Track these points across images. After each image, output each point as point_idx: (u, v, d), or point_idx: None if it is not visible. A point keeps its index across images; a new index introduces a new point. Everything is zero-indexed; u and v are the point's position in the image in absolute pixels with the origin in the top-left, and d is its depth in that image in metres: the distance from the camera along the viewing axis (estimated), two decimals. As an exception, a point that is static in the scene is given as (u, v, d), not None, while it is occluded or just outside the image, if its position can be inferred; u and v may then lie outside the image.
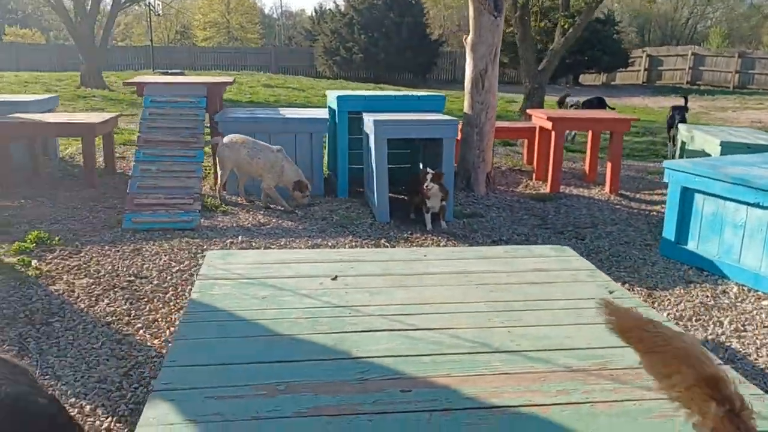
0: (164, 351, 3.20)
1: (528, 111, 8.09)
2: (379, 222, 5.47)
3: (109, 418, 2.65)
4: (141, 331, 3.41)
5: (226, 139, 5.76)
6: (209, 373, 2.32)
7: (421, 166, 6.33)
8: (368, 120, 5.50)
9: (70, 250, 4.58)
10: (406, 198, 5.82)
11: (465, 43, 6.49)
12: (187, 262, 4.43)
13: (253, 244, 4.86)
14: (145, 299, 3.82)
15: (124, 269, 4.28)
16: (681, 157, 6.86)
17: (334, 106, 6.37)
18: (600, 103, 13.04)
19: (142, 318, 3.57)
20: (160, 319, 3.55)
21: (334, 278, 3.26)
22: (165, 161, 5.57)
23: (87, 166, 6.38)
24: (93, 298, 3.80)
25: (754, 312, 3.79)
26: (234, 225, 5.35)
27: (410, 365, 2.39)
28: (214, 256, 3.59)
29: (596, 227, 5.54)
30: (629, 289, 3.94)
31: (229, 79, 8.06)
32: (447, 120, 5.49)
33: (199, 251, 4.65)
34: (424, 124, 5.40)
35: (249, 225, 5.36)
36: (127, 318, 3.56)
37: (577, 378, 2.31)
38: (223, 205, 5.84)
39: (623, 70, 32.61)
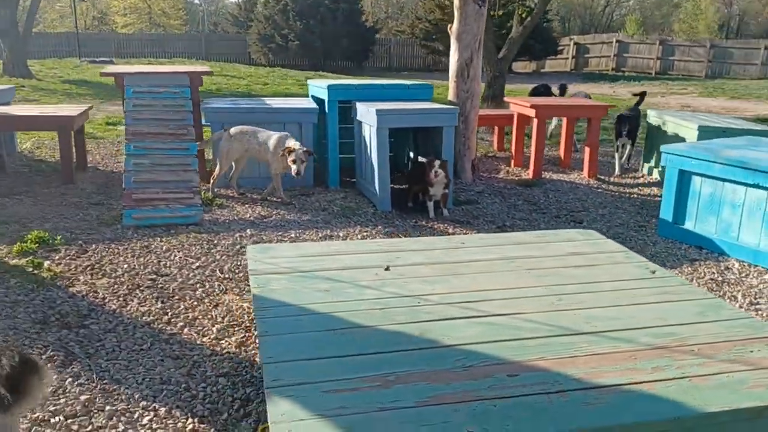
0: (217, 348, 3.14)
1: (506, 99, 8.27)
2: (381, 211, 5.50)
3: (190, 419, 2.59)
4: (186, 330, 3.33)
5: (233, 131, 5.65)
6: (314, 367, 2.32)
7: (411, 155, 6.39)
8: (367, 109, 5.50)
9: (76, 250, 4.39)
10: (404, 187, 5.87)
11: (450, 32, 6.56)
12: (204, 258, 4.33)
13: (264, 237, 4.79)
14: (176, 297, 3.72)
15: (141, 267, 4.14)
16: (648, 143, 7.19)
17: (322, 95, 6.32)
18: (546, 90, 13.44)
19: (181, 316, 3.48)
20: (200, 317, 3.48)
21: (387, 269, 3.29)
22: (158, 154, 5.39)
23: (64, 161, 6.08)
24: (121, 299, 3.67)
25: (761, 286, 4.07)
26: (236, 218, 5.25)
27: (503, 351, 2.47)
28: (255, 250, 3.56)
29: (588, 211, 5.77)
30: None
31: (207, 68, 7.83)
32: (448, 109, 5.57)
33: (212, 246, 4.56)
34: (425, 113, 5.46)
35: (252, 218, 5.28)
36: (165, 317, 3.47)
37: (663, 355, 2.44)
38: (218, 199, 5.72)
39: (553, 57, 33.56)
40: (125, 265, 4.16)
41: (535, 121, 6.73)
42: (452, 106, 5.83)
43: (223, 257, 4.36)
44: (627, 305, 2.90)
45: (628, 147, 7.46)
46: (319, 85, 6.47)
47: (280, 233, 4.90)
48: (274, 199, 5.76)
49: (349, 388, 2.19)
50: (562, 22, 50.31)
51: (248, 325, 3.40)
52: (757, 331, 2.65)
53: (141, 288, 3.83)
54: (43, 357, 3.00)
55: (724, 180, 4.54)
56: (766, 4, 47.24)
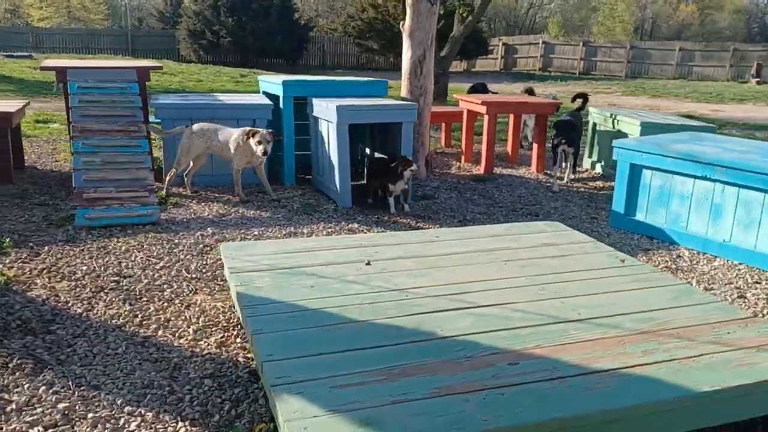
0: (196, 350, 3.05)
1: (456, 96, 8.38)
2: (342, 207, 5.47)
3: (180, 423, 2.50)
4: (160, 332, 3.21)
5: (195, 127, 5.50)
6: (315, 363, 2.30)
7: (367, 151, 6.39)
8: (326, 105, 5.45)
9: (28, 253, 4.16)
10: (362, 183, 5.87)
11: (402, 29, 6.59)
12: (167, 258, 4.19)
13: (226, 235, 4.68)
14: (144, 299, 3.59)
15: (102, 269, 3.97)
16: (593, 140, 7.46)
17: (277, 91, 6.23)
18: (484, 88, 13.72)
19: (153, 318, 3.36)
20: (173, 319, 3.36)
21: (368, 263, 3.29)
22: (108, 152, 5.16)
23: (3, 160, 5.75)
24: (85, 302, 3.50)
25: (712, 272, 4.30)
26: (194, 217, 5.11)
27: (498, 340, 2.51)
28: (231, 248, 3.48)
29: (541, 204, 5.93)
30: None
31: (157, 63, 7.56)
32: (407, 105, 5.59)
33: (173, 246, 4.41)
34: (385, 108, 5.46)
35: (210, 217, 5.14)
36: (136, 320, 3.33)
37: (649, 339, 2.55)
38: (172, 198, 5.54)
39: (483, 57, 34.23)
40: (84, 267, 3.97)
41: (486, 117, 6.87)
42: (411, 103, 5.87)
43: (188, 257, 4.23)
44: (606, 293, 3.02)
45: (571, 155, 6.82)
46: (273, 81, 6.37)
47: (242, 231, 4.80)
48: (236, 196, 5.64)
49: (356, 382, 2.18)
50: (489, 23, 51.58)
51: (225, 325, 3.31)
52: (729, 314, 2.81)
53: (105, 290, 3.67)
54: (9, 366, 2.83)
55: (673, 173, 4.77)
56: (677, 7, 49.93)
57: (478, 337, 2.53)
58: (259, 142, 5.26)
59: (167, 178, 5.67)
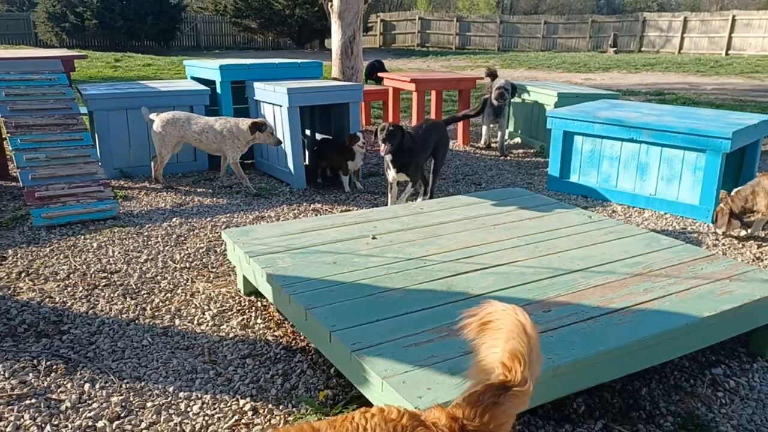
0: (222, 334, 3.13)
1: (380, 74, 8.57)
2: (297, 189, 5.58)
3: (242, 400, 2.60)
4: (177, 321, 3.25)
5: (166, 116, 5.35)
6: (378, 328, 2.51)
7: (308, 132, 6.49)
8: (273, 89, 5.50)
9: (-6, 257, 3.96)
10: (311, 164, 5.98)
11: (330, 9, 6.71)
12: (146, 251, 4.14)
13: (194, 224, 4.67)
14: (143, 292, 3.57)
15: (84, 267, 3.87)
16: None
17: (212, 76, 6.16)
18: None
19: (163, 309, 3.37)
20: (183, 308, 3.39)
21: (374, 237, 3.49)
22: (51, 147, 4.93)
23: None
24: (84, 300, 3.44)
25: (645, 222, 4.89)
26: (151, 209, 5.02)
27: (523, 293, 2.83)
28: (235, 233, 3.55)
29: (478, 174, 6.34)
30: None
31: (81, 53, 7.13)
32: (353, 85, 5.75)
33: (146, 239, 4.36)
34: (333, 90, 5.59)
35: (168, 207, 5.07)
36: (146, 312, 3.34)
37: (644, 280, 2.97)
38: (117, 191, 5.39)
39: (364, 34, 34.43)
40: (65, 267, 3.85)
41: (415, 94, 7.16)
42: (357, 84, 6.03)
43: (167, 248, 4.21)
44: (591, 245, 3.42)
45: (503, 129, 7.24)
46: (207, 66, 6.29)
47: (208, 219, 4.80)
48: (241, 184, 5.54)
49: (425, 340, 2.41)
50: (362, -1, 51.56)
51: (240, 308, 3.40)
52: (695, 253, 3.30)
53: (99, 287, 3.61)
54: (40, 368, 2.79)
55: (602, 137, 5.31)
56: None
57: (506, 293, 2.83)
58: (272, 133, 5.33)
59: (157, 172, 5.59)
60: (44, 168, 4.77)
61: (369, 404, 2.51)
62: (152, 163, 5.69)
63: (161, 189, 5.53)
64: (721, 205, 4.42)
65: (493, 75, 7.37)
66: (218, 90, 6.05)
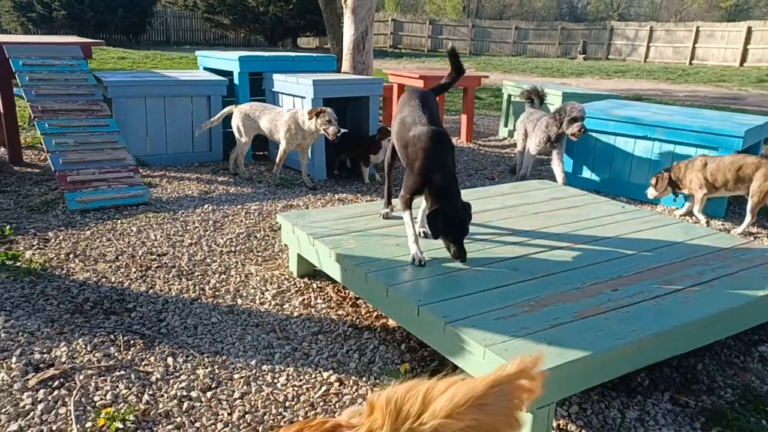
0: (286, 312, 3.20)
1: (386, 71, 8.67)
2: (319, 180, 5.66)
3: (326, 372, 2.69)
4: (239, 301, 3.31)
5: (244, 107, 5.46)
6: (466, 302, 2.64)
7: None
8: (296, 80, 5.57)
9: (36, 240, 3.94)
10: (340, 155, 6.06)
11: (344, 5, 6.80)
12: (187, 235, 4.18)
13: (227, 210, 4.71)
14: (197, 274, 3.62)
15: (130, 249, 3.89)
16: (508, 110, 8.20)
17: (229, 67, 6.19)
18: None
19: (222, 290, 3.43)
20: (240, 289, 3.45)
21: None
22: (79, 132, 4.91)
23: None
24: (140, 281, 3.47)
25: (664, 213, 5.11)
26: (181, 196, 5.04)
27: (586, 273, 2.99)
28: (291, 217, 3.64)
29: (488, 169, 6.51)
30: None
31: (99, 40, 7.03)
32: (375, 79, 5.85)
33: (184, 224, 4.39)
34: (355, 83, 5.69)
35: (195, 194, 5.10)
36: (207, 292, 3.39)
37: (693, 263, 3.17)
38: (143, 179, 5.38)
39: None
40: (111, 249, 3.87)
41: (423, 91, 7.29)
42: (377, 77, 6.13)
43: (207, 233, 4.25)
44: (634, 232, 3.60)
45: None
46: (223, 57, 6.31)
47: (238, 206, 4.84)
48: (205, 175, 5.58)
49: (511, 314, 2.54)
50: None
51: (298, 289, 3.48)
52: (731, 241, 3.51)
53: (151, 269, 3.64)
54: (118, 343, 2.83)
55: (616, 134, 5.53)
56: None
57: (574, 273, 2.97)
58: (329, 121, 4.98)
59: (234, 163, 5.72)
60: (73, 153, 4.76)
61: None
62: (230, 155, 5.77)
63: (186, 177, 5.55)
64: (663, 171, 4.91)
65: (538, 94, 6.09)
66: (236, 81, 6.09)
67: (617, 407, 2.53)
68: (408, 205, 3.14)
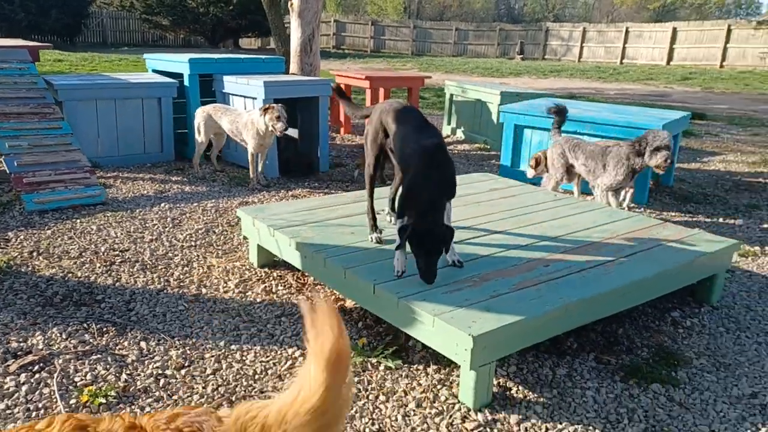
0: (249, 299, 3.43)
1: (332, 72, 8.91)
2: (271, 178, 5.87)
3: (290, 349, 2.94)
4: (203, 290, 3.52)
5: (208, 108, 5.66)
6: (415, 281, 2.91)
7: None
8: (246, 82, 5.77)
9: (-1, 239, 4.05)
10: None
11: (291, 8, 7.02)
12: (147, 232, 4.34)
13: (184, 209, 4.88)
14: (161, 267, 3.80)
15: (93, 246, 4.04)
16: (450, 109, 8.58)
17: (179, 69, 6.33)
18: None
19: (187, 281, 3.63)
20: (204, 279, 3.66)
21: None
22: (32, 135, 4.99)
23: None
24: (106, 275, 3.64)
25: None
26: (137, 195, 5.17)
27: (523, 253, 3.35)
28: (251, 210, 3.88)
29: (432, 165, 6.84)
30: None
31: (46, 43, 7.00)
32: (323, 80, 6.10)
33: (142, 222, 4.55)
34: (305, 83, 5.92)
35: (151, 194, 5.24)
36: (171, 283, 3.58)
37: (617, 241, 3.56)
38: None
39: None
40: (74, 246, 4.01)
41: (369, 90, 7.60)
42: (326, 78, 6.37)
43: (167, 229, 4.42)
44: (565, 216, 3.99)
45: None
46: (172, 59, 6.44)
47: (195, 204, 5.02)
48: (158, 175, 5.72)
49: (456, 289, 2.86)
50: None
51: (259, 278, 3.71)
52: (650, 221, 3.94)
53: (115, 264, 3.81)
54: (91, 330, 3.01)
55: (549, 130, 5.94)
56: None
57: (512, 253, 3.32)
58: (278, 118, 5.11)
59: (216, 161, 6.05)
60: (28, 155, 4.84)
61: (402, 350, 2.95)
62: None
63: (139, 178, 5.67)
64: (539, 153, 5.48)
65: (562, 113, 5.23)
66: (186, 83, 6.24)
67: (549, 366, 2.87)
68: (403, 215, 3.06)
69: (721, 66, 28.36)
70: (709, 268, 3.51)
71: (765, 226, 5.13)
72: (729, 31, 28.56)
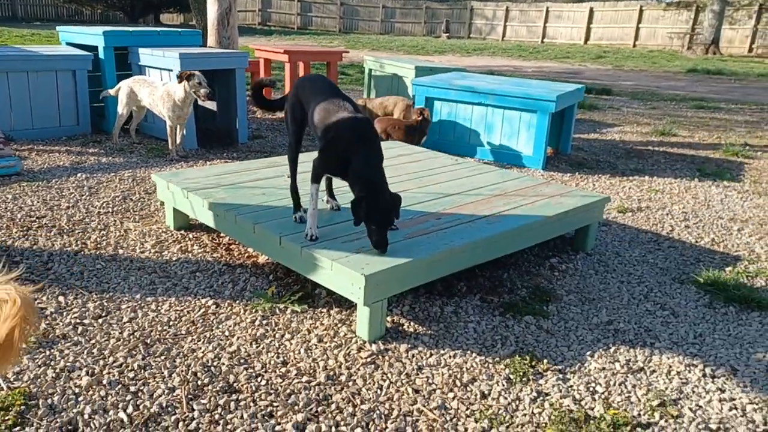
0: (165, 258, 3.65)
1: (252, 45, 8.98)
2: (189, 149, 6.01)
3: (203, 299, 3.19)
4: (121, 251, 3.70)
5: (128, 81, 5.67)
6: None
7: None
8: (162, 54, 5.86)
9: None
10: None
11: (207, -18, 7.09)
12: (64, 200, 4.45)
13: (101, 178, 4.99)
14: (78, 231, 3.94)
15: (10, 213, 4.12)
16: (369, 83, 8.86)
17: (93, 42, 6.34)
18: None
19: (104, 243, 3.79)
20: (121, 241, 3.83)
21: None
22: (-59, 106, 4.96)
23: None
24: (23, 239, 3.75)
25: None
26: (53, 166, 5.23)
27: (419, 208, 3.69)
28: (166, 175, 4.06)
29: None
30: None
31: None
32: (240, 53, 6.23)
33: (59, 191, 4.64)
34: (222, 56, 6.05)
35: (67, 165, 5.30)
36: (89, 245, 3.74)
37: (504, 198, 3.96)
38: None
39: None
40: (-11, 214, 4.09)
41: (288, 65, 7.77)
42: (243, 51, 6.50)
43: (83, 197, 4.54)
44: (462, 178, 4.36)
45: None
46: (87, 32, 6.43)
47: (112, 174, 5.13)
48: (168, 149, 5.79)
49: (354, 239, 3.16)
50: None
51: (176, 239, 3.91)
52: (536, 181, 4.36)
53: (32, 229, 3.92)
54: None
55: (457, 102, 6.34)
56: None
57: (409, 209, 3.64)
58: (200, 83, 5.10)
59: (114, 131, 6.03)
60: (-63, 126, 4.82)
61: (308, 297, 3.24)
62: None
63: (55, 150, 5.70)
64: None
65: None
66: (101, 55, 6.26)
67: (439, 305, 3.24)
68: (319, 180, 3.20)
69: (634, 45, 29.76)
70: (583, 218, 3.96)
71: (645, 187, 5.70)
72: (641, 11, 29.95)
